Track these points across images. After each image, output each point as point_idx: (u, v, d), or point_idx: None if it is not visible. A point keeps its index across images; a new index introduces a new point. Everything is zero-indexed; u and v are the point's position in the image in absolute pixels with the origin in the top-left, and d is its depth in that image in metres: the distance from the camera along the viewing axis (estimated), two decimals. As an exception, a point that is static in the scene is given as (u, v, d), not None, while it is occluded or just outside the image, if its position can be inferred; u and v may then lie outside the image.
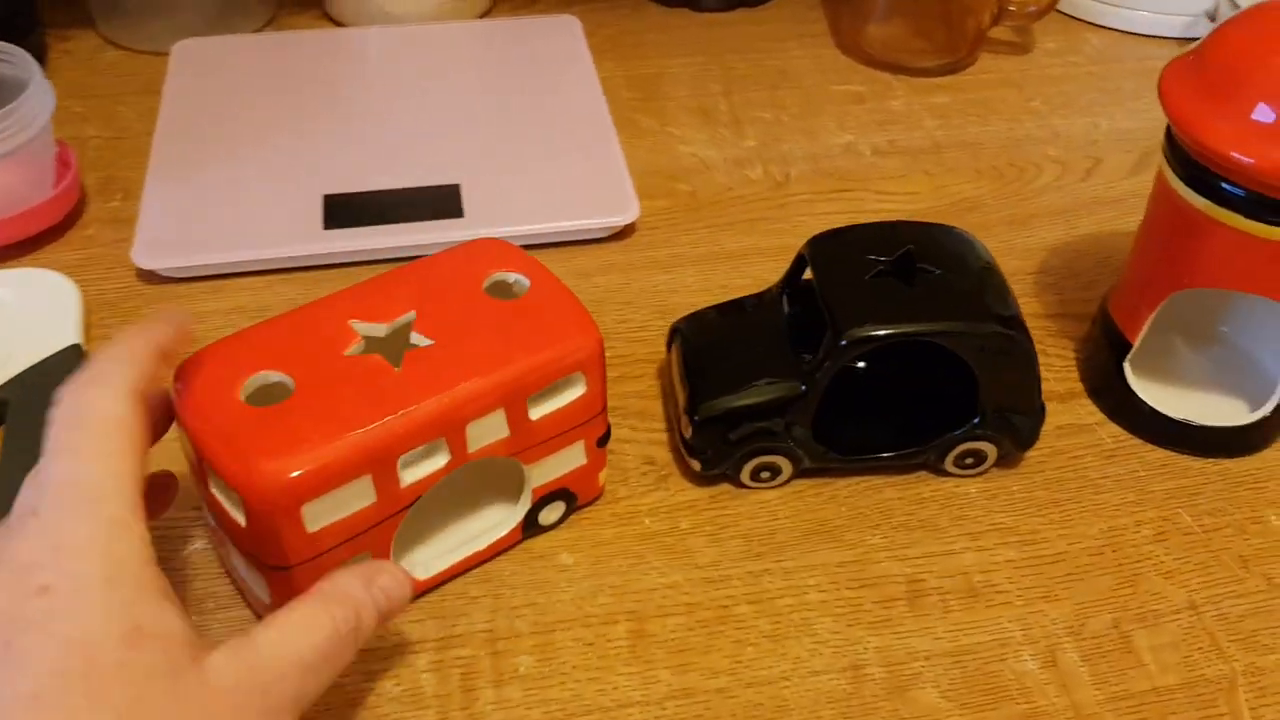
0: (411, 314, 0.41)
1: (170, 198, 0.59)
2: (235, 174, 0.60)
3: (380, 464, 0.38)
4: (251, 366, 0.39)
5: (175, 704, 0.30)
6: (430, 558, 0.44)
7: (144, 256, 0.56)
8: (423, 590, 0.44)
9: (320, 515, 0.38)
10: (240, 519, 0.38)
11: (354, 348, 0.40)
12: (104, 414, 0.33)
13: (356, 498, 0.38)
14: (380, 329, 0.41)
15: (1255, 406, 0.50)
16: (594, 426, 0.44)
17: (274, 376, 0.39)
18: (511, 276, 0.43)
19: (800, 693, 0.41)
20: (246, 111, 0.65)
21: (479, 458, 0.41)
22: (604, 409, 0.44)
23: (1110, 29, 0.78)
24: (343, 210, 0.58)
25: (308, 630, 0.34)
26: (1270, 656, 0.43)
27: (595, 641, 0.43)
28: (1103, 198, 0.64)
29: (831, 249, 0.48)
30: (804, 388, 0.45)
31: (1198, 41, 0.45)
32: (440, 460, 0.40)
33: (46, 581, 0.30)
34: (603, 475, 0.46)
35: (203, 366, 0.39)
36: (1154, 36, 0.77)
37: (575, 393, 0.42)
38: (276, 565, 0.38)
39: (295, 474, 0.36)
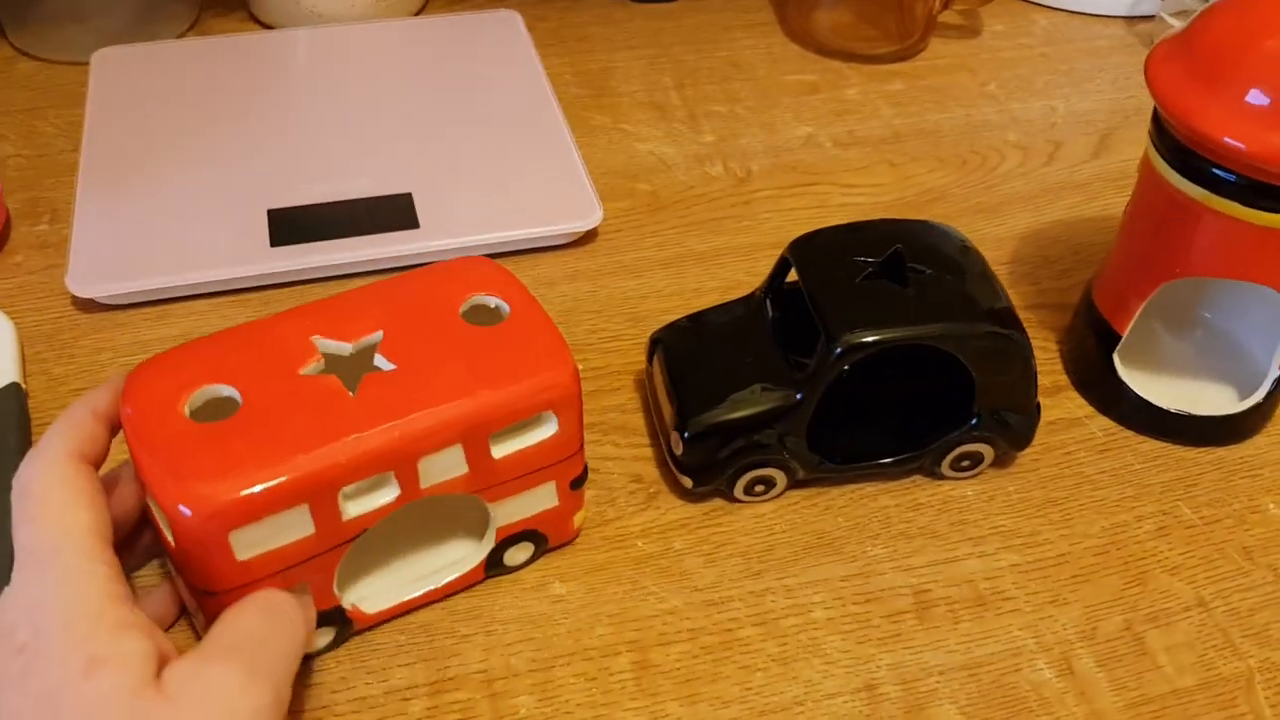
0: (379, 334, 0.39)
1: (103, 218, 0.55)
2: (171, 190, 0.57)
3: (319, 495, 0.35)
4: (200, 379, 0.37)
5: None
6: (381, 591, 0.41)
7: (80, 283, 0.52)
8: (371, 624, 0.41)
9: (251, 544, 0.35)
10: (171, 540, 0.35)
11: (311, 366, 0.38)
12: (44, 479, 0.35)
13: (292, 528, 0.36)
14: (344, 348, 0.38)
15: (1244, 392, 0.49)
16: (568, 467, 0.41)
17: (223, 390, 0.37)
18: (493, 301, 0.41)
19: (815, 717, 0.40)
20: (178, 122, 0.61)
21: (435, 494, 0.38)
22: (580, 449, 0.41)
23: (1057, 9, 0.77)
24: (289, 226, 0.55)
25: (246, 625, 0.34)
26: (1284, 650, 0.42)
27: (598, 676, 0.40)
28: (1068, 183, 0.63)
29: (816, 251, 0.46)
30: (799, 396, 0.43)
31: (1185, 25, 0.44)
32: (389, 494, 0.37)
33: (22, 640, 0.31)
34: (579, 517, 0.44)
35: (151, 376, 0.37)
36: (1101, 15, 0.77)
37: (546, 432, 0.39)
38: (203, 590, 0.36)
39: (222, 501, 0.34)
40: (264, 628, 0.34)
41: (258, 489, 0.34)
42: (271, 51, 0.68)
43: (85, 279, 0.52)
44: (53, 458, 0.35)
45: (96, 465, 0.36)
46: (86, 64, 0.64)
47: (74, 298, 0.53)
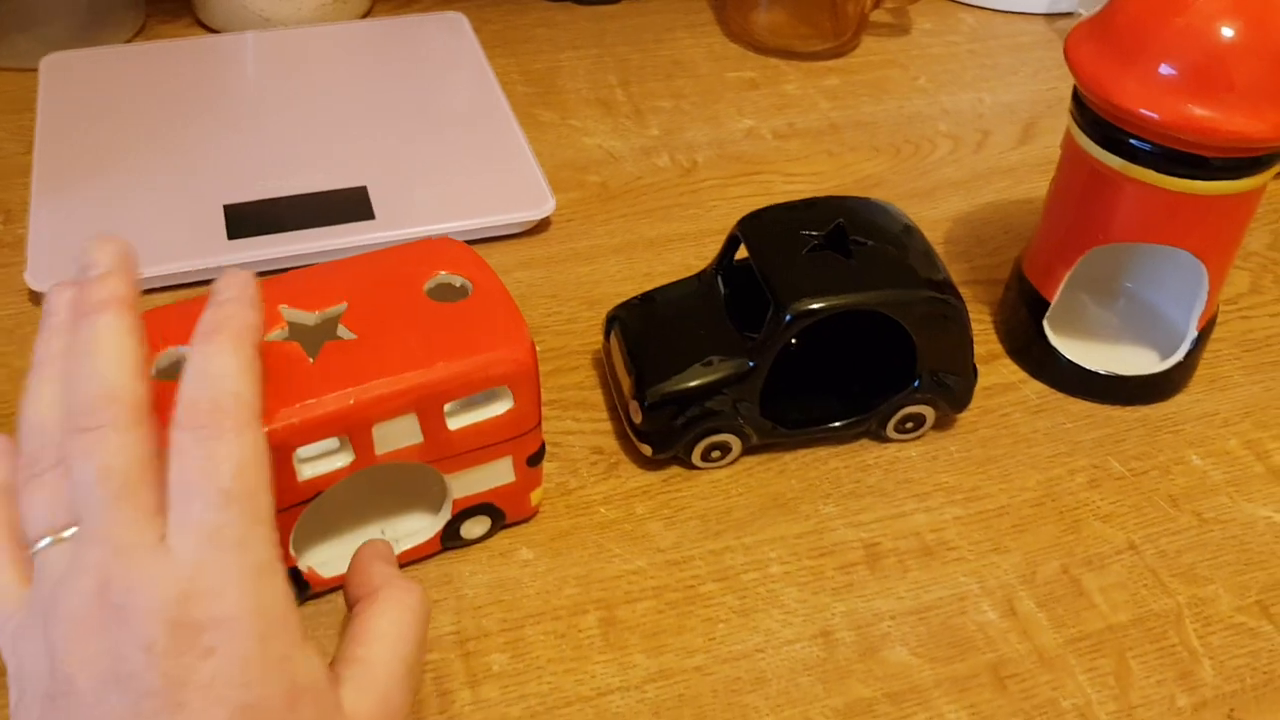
0: (343, 306, 0.40)
1: (60, 217, 0.56)
2: (127, 189, 0.58)
3: (275, 454, 0.36)
4: (169, 341, 0.38)
5: None
6: (340, 556, 0.42)
7: (38, 278, 0.53)
8: (328, 588, 0.42)
9: None
10: None
11: (276, 333, 0.39)
12: (244, 448, 0.33)
13: None
14: (309, 317, 0.40)
15: (1165, 354, 0.52)
16: (524, 444, 0.43)
17: (188, 352, 0.38)
18: (457, 279, 0.42)
19: (776, 663, 0.42)
20: (130, 125, 0.62)
21: (388, 461, 0.40)
22: (536, 426, 0.43)
23: (982, 7, 0.81)
24: (246, 220, 0.57)
25: (403, 632, 0.35)
26: (1209, 587, 0.45)
27: (567, 633, 0.42)
28: (996, 168, 0.66)
29: (763, 227, 0.48)
30: (751, 364, 0.45)
31: (1098, 9, 0.47)
32: (343, 459, 0.39)
33: (211, 643, 0.29)
34: (536, 495, 0.45)
35: None
36: (1023, 13, 0.80)
37: (501, 407, 0.41)
38: None
39: None
40: (419, 632, 0.35)
41: None
42: (221, 54, 0.69)
43: (44, 274, 0.53)
44: (249, 418, 0.33)
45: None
46: (35, 70, 0.65)
47: (32, 293, 0.53)
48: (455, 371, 0.39)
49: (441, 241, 0.44)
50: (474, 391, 0.40)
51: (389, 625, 0.35)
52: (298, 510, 0.39)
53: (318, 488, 0.39)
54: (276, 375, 0.37)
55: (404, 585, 0.36)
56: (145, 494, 0.31)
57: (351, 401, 0.37)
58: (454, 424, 0.40)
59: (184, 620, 0.29)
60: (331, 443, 0.38)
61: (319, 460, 0.38)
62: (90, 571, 0.30)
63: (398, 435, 0.39)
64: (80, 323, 0.34)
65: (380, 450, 0.39)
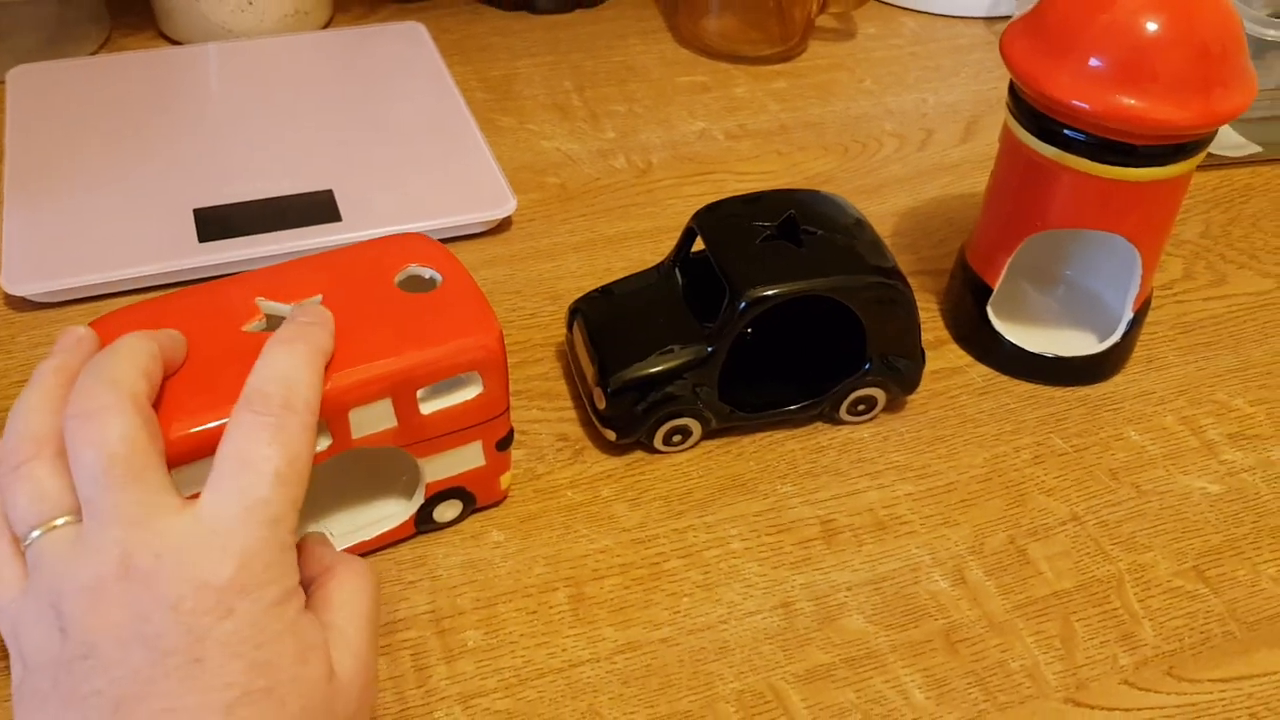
0: (318, 298, 0.42)
1: (33, 223, 0.57)
2: (99, 195, 0.59)
3: None
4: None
5: (328, 709, 0.33)
6: None
7: (13, 282, 0.54)
8: None
9: (189, 485, 0.36)
10: None
11: (254, 324, 0.40)
12: (292, 429, 0.35)
13: None
14: (285, 309, 0.41)
15: (1103, 337, 0.55)
16: (494, 428, 0.44)
17: None
18: (427, 272, 0.44)
19: (739, 633, 0.43)
20: (100, 132, 0.63)
21: (364, 445, 0.41)
22: (505, 412, 0.44)
23: (923, 12, 0.84)
24: (215, 223, 0.58)
25: (362, 599, 0.37)
26: (1148, 554, 0.47)
27: (538, 610, 0.44)
28: (940, 164, 0.69)
29: (718, 219, 0.50)
30: (710, 350, 0.47)
31: (1030, 8, 0.50)
32: (322, 443, 0.40)
33: (233, 605, 0.32)
34: (505, 479, 0.47)
35: (108, 328, 0.39)
36: (963, 17, 0.83)
37: (471, 391, 0.43)
38: None
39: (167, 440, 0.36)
40: (369, 595, 0.37)
41: (196, 432, 0.37)
42: (186, 65, 0.70)
43: (19, 278, 0.54)
44: (303, 408, 0.36)
45: None
46: (2, 83, 0.66)
47: (7, 296, 0.54)
48: (428, 358, 0.41)
49: (411, 237, 0.45)
50: (445, 376, 0.42)
51: (349, 595, 0.37)
52: None
53: None
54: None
55: (354, 560, 0.38)
56: (152, 475, 0.33)
57: (330, 386, 0.39)
58: (426, 409, 0.42)
59: (211, 581, 0.32)
60: None
61: None
62: (106, 549, 0.32)
63: (373, 420, 0.41)
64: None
65: (356, 435, 0.40)
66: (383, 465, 0.45)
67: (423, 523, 0.46)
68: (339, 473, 0.41)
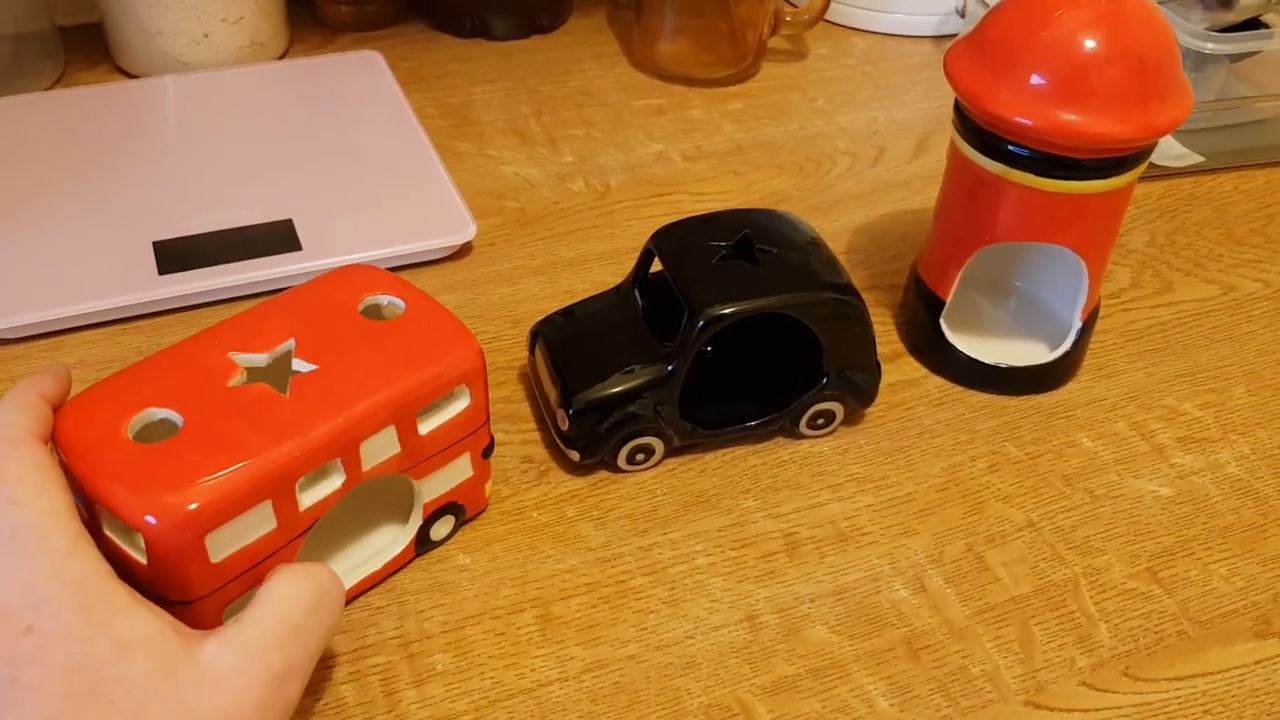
0: (290, 342, 0.42)
1: (-10, 258, 0.57)
2: (57, 230, 0.59)
3: (279, 488, 0.39)
4: (135, 405, 0.39)
5: (179, 699, 0.32)
6: None
7: (-28, 318, 0.54)
8: None
9: (223, 544, 0.38)
10: (141, 558, 0.37)
11: (237, 379, 0.41)
12: (18, 460, 0.35)
13: (258, 524, 0.39)
14: (261, 359, 0.42)
15: (1054, 346, 0.56)
16: (479, 437, 0.45)
17: (159, 413, 0.39)
18: (385, 299, 0.44)
19: (705, 647, 0.44)
20: (58, 168, 0.63)
21: (373, 475, 0.42)
22: (487, 420, 0.45)
23: (873, 32, 0.85)
24: (175, 255, 0.58)
25: (288, 594, 0.36)
26: (1102, 557, 0.48)
27: (506, 631, 0.44)
28: (892, 181, 0.70)
29: (675, 240, 0.51)
30: (670, 369, 0.48)
31: (973, 28, 0.51)
32: (336, 480, 0.41)
33: (29, 622, 0.32)
34: (488, 486, 0.48)
35: (84, 410, 0.39)
36: (911, 36, 0.85)
37: (460, 405, 0.44)
38: (180, 600, 0.38)
39: (195, 505, 0.36)
40: (309, 599, 0.37)
41: (228, 489, 0.37)
42: (142, 98, 0.70)
43: (-23, 314, 0.54)
44: (20, 439, 0.35)
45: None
46: (-45, 118, 0.66)
47: (-33, 332, 0.54)
48: (423, 378, 0.42)
49: (356, 268, 0.46)
50: (441, 394, 0.43)
51: (279, 590, 0.37)
52: (299, 542, 0.41)
53: (316, 514, 0.40)
54: (259, 415, 0.39)
55: (309, 564, 0.38)
56: None
57: (342, 422, 0.39)
58: (424, 428, 0.43)
59: (5, 610, 0.32)
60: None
61: (315, 487, 0.40)
62: None
63: (380, 449, 0.41)
64: None
65: (366, 466, 0.41)
66: (371, 495, 0.45)
67: (421, 544, 0.46)
68: (335, 513, 0.41)
